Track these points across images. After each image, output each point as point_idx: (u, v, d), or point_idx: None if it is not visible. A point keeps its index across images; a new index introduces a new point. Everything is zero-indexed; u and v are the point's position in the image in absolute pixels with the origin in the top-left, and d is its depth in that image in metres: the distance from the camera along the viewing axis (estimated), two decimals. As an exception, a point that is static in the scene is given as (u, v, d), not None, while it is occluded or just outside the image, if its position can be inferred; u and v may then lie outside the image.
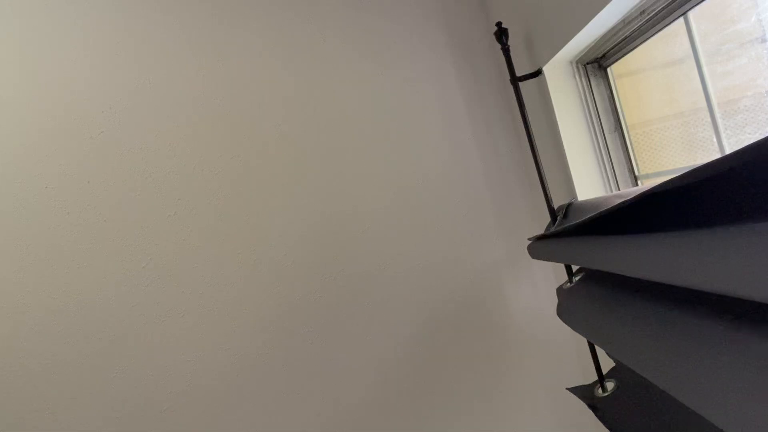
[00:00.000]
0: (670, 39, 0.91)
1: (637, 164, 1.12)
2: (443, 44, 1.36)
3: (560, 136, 1.14)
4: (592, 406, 0.90)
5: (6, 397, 1.07)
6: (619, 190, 1.13)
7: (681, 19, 0.84)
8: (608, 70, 1.12)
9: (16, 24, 1.12)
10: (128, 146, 1.16)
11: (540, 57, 1.12)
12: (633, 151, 1.12)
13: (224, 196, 1.21)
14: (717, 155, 0.85)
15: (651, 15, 0.86)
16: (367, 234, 1.28)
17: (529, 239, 1.16)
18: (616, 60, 1.07)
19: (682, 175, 0.43)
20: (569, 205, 1.08)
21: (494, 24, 1.12)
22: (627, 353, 0.62)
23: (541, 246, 1.06)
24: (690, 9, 0.80)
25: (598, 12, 0.85)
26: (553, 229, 1.05)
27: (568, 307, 0.94)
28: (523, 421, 1.33)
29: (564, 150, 1.14)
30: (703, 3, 0.77)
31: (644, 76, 1.07)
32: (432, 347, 1.30)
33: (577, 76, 1.14)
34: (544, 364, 1.36)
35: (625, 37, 0.97)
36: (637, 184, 1.13)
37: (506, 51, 1.12)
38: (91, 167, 1.14)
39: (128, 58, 1.17)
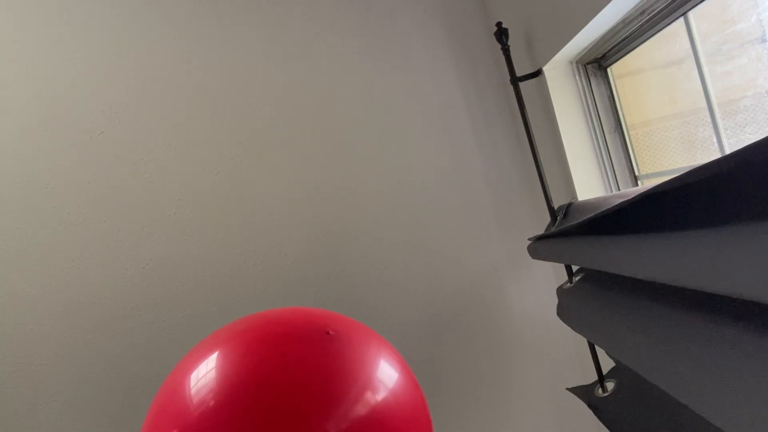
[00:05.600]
0: (670, 39, 0.91)
1: (637, 164, 1.12)
2: (443, 44, 1.36)
3: (560, 136, 1.14)
4: (592, 406, 0.90)
5: (5, 398, 1.07)
6: (619, 190, 1.13)
7: (681, 19, 0.84)
8: (608, 70, 1.12)
9: (16, 24, 1.12)
10: (128, 146, 1.17)
11: (540, 57, 1.12)
12: (633, 151, 1.12)
13: (224, 196, 1.21)
14: (717, 155, 0.85)
15: (651, 15, 0.86)
16: (367, 234, 1.28)
17: (529, 239, 1.16)
18: (616, 60, 1.07)
19: (681, 175, 0.43)
20: (569, 205, 1.08)
21: (494, 24, 1.12)
22: (627, 353, 0.63)
23: (541, 246, 1.06)
24: (690, 9, 0.80)
25: (598, 12, 0.85)
26: (553, 229, 1.05)
27: (568, 307, 0.94)
28: (523, 421, 1.33)
29: (564, 150, 1.14)
30: (703, 3, 0.77)
31: (644, 76, 1.07)
32: (431, 347, 1.30)
33: (577, 77, 1.14)
34: (544, 363, 1.35)
35: (625, 37, 0.97)
36: (637, 184, 1.13)
37: (506, 51, 1.12)
38: (91, 167, 1.14)
39: (128, 57, 1.17)
